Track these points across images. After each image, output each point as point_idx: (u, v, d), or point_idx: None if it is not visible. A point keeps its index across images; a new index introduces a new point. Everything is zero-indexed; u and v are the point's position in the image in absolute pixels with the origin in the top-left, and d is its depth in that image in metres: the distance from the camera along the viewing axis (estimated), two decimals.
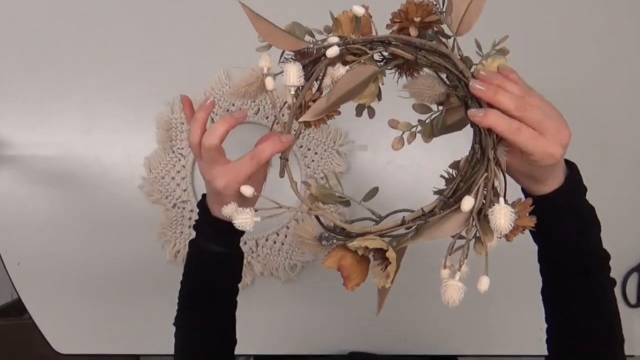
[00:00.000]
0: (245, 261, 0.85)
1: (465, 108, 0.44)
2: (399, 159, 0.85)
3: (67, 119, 0.85)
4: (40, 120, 0.85)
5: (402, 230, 0.46)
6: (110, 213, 0.86)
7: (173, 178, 0.85)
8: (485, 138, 0.42)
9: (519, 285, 0.78)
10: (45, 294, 0.87)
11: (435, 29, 0.45)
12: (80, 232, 0.86)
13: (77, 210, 0.86)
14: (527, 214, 0.43)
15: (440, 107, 0.48)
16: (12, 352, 1.14)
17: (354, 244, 0.44)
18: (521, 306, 0.85)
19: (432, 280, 0.75)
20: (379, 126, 0.83)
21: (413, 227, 0.46)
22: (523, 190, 0.50)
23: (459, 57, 0.44)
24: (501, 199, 0.42)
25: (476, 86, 0.41)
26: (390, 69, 0.47)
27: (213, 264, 0.61)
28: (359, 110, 0.51)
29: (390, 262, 0.44)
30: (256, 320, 0.86)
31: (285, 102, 0.48)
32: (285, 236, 0.84)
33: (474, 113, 0.41)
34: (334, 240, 0.47)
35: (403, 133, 0.49)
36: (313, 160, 0.85)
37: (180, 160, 0.85)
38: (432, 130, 0.48)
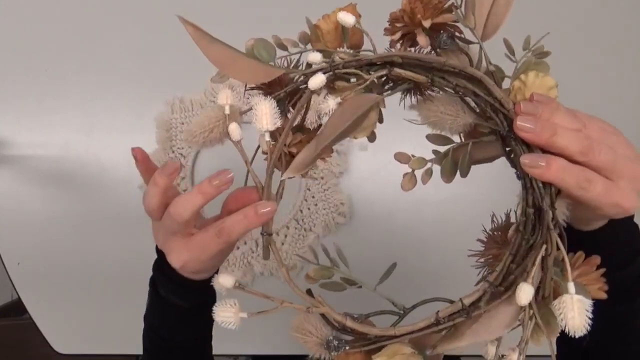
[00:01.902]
0: (245, 261, 0.85)
1: (502, 144, 0.34)
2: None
3: (67, 119, 0.85)
4: (40, 120, 0.85)
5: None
6: (110, 213, 0.86)
7: None
8: (540, 196, 0.31)
9: None
10: (45, 294, 0.86)
11: (450, 32, 0.34)
12: (80, 232, 0.86)
13: (77, 210, 0.86)
14: (595, 275, 0.33)
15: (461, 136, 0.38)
16: (12, 352, 1.14)
17: (378, 357, 0.35)
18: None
19: (433, 280, 0.75)
20: (379, 126, 0.83)
21: (449, 324, 0.35)
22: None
23: (490, 71, 0.33)
24: (570, 284, 0.31)
25: (526, 126, 0.31)
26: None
27: (176, 317, 0.50)
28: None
29: None
30: (256, 320, 0.86)
31: (258, 147, 0.37)
32: (285, 236, 0.84)
33: (532, 163, 0.31)
34: (346, 347, 0.37)
35: (413, 170, 0.39)
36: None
37: (180, 160, 0.85)
38: (454, 169, 0.38)
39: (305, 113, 0.36)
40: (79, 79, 0.85)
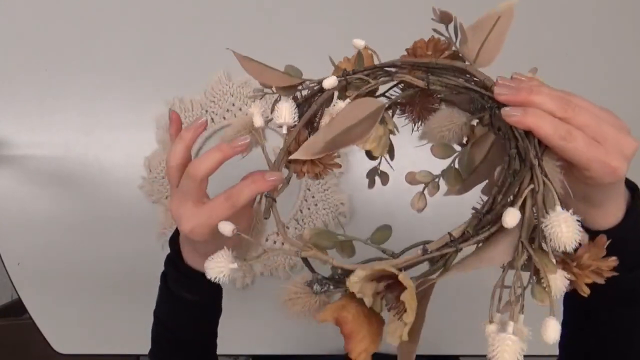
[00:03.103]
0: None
1: (492, 128, 0.36)
2: (400, 160, 0.85)
3: (67, 119, 0.85)
4: (40, 120, 0.85)
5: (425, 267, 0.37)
6: (110, 213, 0.86)
7: None
8: (523, 142, 0.33)
9: None
10: (45, 294, 0.86)
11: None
12: (80, 232, 0.86)
13: (77, 210, 0.86)
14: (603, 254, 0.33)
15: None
16: (12, 352, 1.14)
17: (352, 277, 0.34)
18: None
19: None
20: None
21: (440, 261, 0.36)
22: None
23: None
24: (557, 207, 0.31)
25: (502, 90, 0.33)
26: (400, 108, 0.41)
27: (185, 313, 0.53)
28: (371, 176, 0.45)
29: (405, 301, 0.32)
30: (256, 320, 0.86)
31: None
32: None
33: (510, 112, 0.32)
34: (330, 287, 0.37)
35: (424, 188, 0.41)
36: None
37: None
38: (458, 175, 0.39)
39: (320, 118, 0.40)
40: (79, 79, 0.85)
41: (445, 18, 0.37)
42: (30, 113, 0.85)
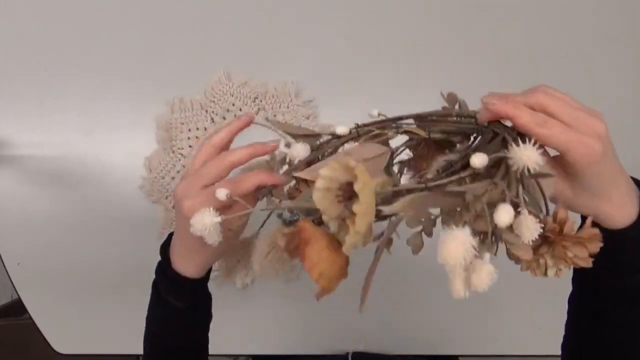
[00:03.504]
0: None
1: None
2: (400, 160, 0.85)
3: (67, 119, 0.85)
4: (40, 120, 0.85)
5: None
6: (110, 213, 0.86)
7: (173, 178, 0.85)
8: (502, 130, 0.36)
9: (519, 285, 0.78)
10: (45, 294, 0.86)
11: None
12: (80, 232, 0.86)
13: (77, 210, 0.86)
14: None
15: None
16: (12, 352, 1.14)
17: (317, 184, 0.32)
18: (522, 306, 0.85)
19: (432, 280, 0.75)
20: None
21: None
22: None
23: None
24: (522, 144, 0.32)
25: (493, 100, 0.35)
26: (408, 164, 0.45)
27: (175, 319, 0.53)
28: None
29: (359, 194, 0.29)
30: (256, 320, 0.86)
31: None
32: None
33: (492, 100, 0.35)
34: (299, 216, 0.37)
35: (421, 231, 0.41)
36: None
37: (180, 160, 0.85)
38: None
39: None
40: (79, 79, 0.85)
41: (451, 99, 0.42)
42: (30, 113, 0.85)
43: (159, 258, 0.54)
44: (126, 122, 0.85)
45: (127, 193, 0.85)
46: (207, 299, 0.54)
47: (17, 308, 1.19)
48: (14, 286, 0.86)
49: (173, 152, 0.85)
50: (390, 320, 0.87)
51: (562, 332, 0.53)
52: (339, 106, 0.84)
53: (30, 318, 0.86)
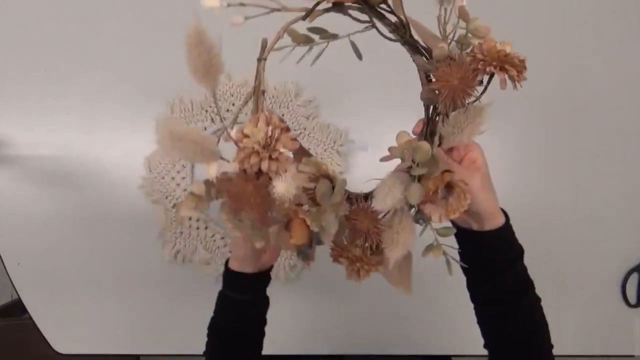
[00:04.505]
0: None
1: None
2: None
3: (67, 119, 0.85)
4: (40, 120, 0.85)
5: None
6: (110, 213, 0.86)
7: (173, 178, 0.85)
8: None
9: None
10: (45, 294, 0.86)
11: None
12: (80, 232, 0.86)
13: (77, 210, 0.86)
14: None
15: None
16: (12, 352, 1.14)
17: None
18: None
19: (431, 280, 0.75)
20: (379, 127, 0.83)
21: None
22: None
23: None
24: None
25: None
26: None
27: (237, 311, 0.63)
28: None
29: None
30: None
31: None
32: None
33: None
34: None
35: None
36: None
37: (180, 160, 0.85)
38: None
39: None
40: (79, 79, 0.85)
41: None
42: (30, 113, 0.85)
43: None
44: (126, 122, 0.85)
45: (127, 193, 0.85)
46: (263, 298, 0.66)
47: (17, 308, 1.19)
48: (14, 286, 0.86)
49: None
50: (388, 320, 0.87)
51: (556, 331, 0.54)
52: (339, 106, 0.84)
53: (30, 318, 0.86)
